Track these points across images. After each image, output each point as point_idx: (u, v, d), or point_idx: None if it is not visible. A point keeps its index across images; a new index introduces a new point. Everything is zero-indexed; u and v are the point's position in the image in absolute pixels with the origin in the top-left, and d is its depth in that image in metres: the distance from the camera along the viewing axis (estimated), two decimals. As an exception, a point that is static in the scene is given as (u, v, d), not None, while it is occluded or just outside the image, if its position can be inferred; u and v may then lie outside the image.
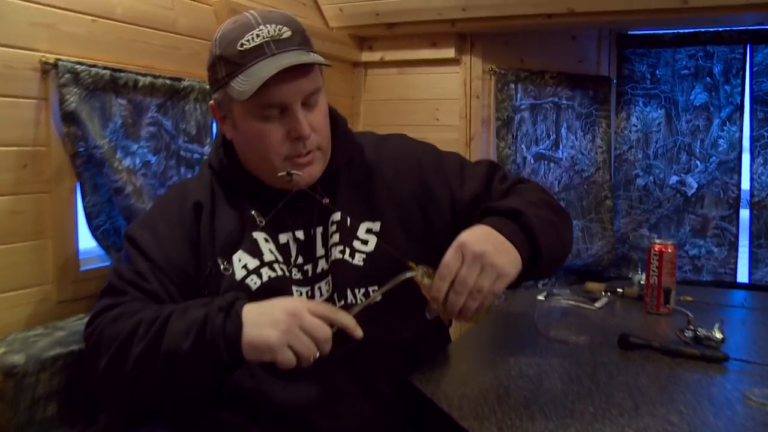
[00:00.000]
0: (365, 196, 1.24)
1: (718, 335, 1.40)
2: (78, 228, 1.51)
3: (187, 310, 1.03)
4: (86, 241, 1.54)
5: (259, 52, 1.07)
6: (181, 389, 1.05)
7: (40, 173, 1.40)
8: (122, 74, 1.51)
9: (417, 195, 1.26)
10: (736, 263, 2.36)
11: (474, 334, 1.57)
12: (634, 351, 1.42)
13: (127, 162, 1.53)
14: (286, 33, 1.09)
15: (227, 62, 1.09)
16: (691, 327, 1.45)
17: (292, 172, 1.14)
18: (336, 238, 1.19)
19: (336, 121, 1.25)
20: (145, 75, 1.57)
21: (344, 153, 1.26)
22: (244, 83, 1.07)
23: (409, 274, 1.06)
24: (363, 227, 1.21)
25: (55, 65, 1.38)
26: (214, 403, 1.14)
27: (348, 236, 1.20)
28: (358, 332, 1.02)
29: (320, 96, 1.16)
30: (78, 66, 1.41)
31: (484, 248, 1.01)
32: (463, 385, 1.21)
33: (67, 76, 1.39)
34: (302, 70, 1.09)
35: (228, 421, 1.13)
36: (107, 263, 1.56)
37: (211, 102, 1.18)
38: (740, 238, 2.37)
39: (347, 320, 1.01)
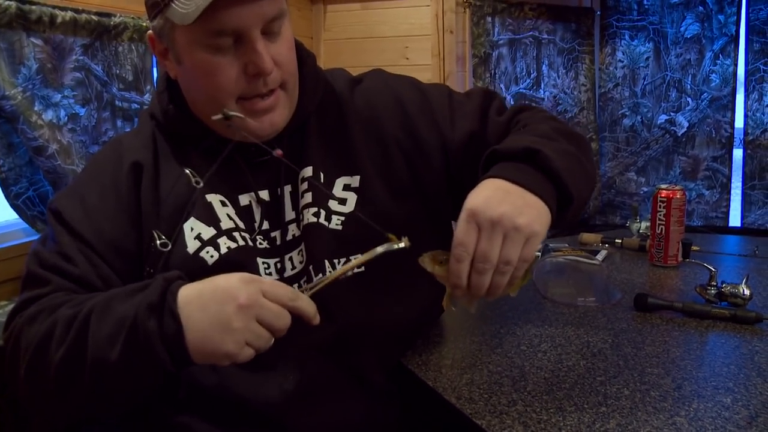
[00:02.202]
0: (340, 147, 1.07)
1: (746, 291, 1.25)
2: None
3: (109, 306, 0.85)
4: (4, 212, 1.30)
5: None
6: (118, 400, 0.88)
7: None
8: (34, 7, 1.29)
9: (400, 141, 1.08)
10: (728, 206, 2.26)
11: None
12: (654, 313, 1.26)
13: (48, 115, 1.32)
14: None
15: None
16: (714, 282, 1.29)
17: (230, 113, 0.93)
18: (308, 197, 1.03)
19: (303, 58, 1.06)
20: (64, 9, 1.35)
21: (314, 96, 1.07)
22: (188, 3, 0.87)
23: (381, 249, 0.89)
24: (339, 183, 1.05)
25: None
26: (170, 403, 0.97)
27: (322, 195, 1.03)
28: (316, 319, 0.87)
29: (284, 22, 0.97)
30: None
31: (502, 210, 0.81)
32: (469, 368, 1.04)
33: None
34: None
35: (186, 425, 0.96)
36: (33, 237, 1.33)
37: (149, 32, 0.97)
38: (733, 180, 2.25)
39: (307, 306, 0.85)
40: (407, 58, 2.29)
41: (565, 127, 1.09)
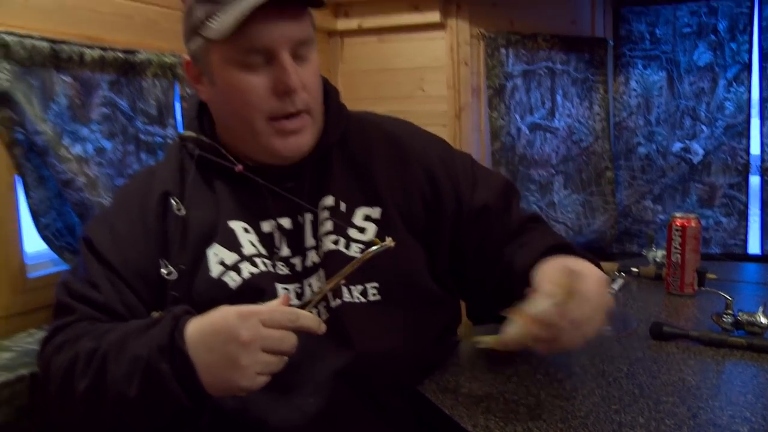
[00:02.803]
0: (363, 179, 1.12)
1: (764, 320, 1.25)
2: (22, 228, 1.33)
3: (124, 344, 0.91)
4: (34, 243, 1.37)
5: None
6: (141, 428, 0.94)
7: None
8: (64, 47, 1.34)
9: (422, 188, 1.14)
10: (746, 234, 2.26)
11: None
12: (670, 341, 1.26)
13: (76, 149, 1.37)
14: None
15: (204, 3, 0.98)
16: (730, 311, 1.29)
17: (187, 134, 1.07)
18: (328, 225, 1.07)
19: (328, 91, 1.13)
20: (92, 47, 1.40)
21: (336, 128, 1.12)
22: (221, 21, 0.95)
23: (372, 250, 0.94)
24: (360, 213, 1.10)
25: None
26: (194, 428, 1.00)
27: (342, 224, 1.08)
28: (322, 328, 0.90)
29: (312, 50, 1.04)
30: (9, 37, 1.23)
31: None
32: (485, 397, 1.04)
33: None
34: (293, 12, 0.99)
35: None
36: (62, 268, 1.38)
37: (186, 57, 1.05)
38: (750, 207, 2.26)
39: (310, 323, 0.89)
40: (423, 90, 2.31)
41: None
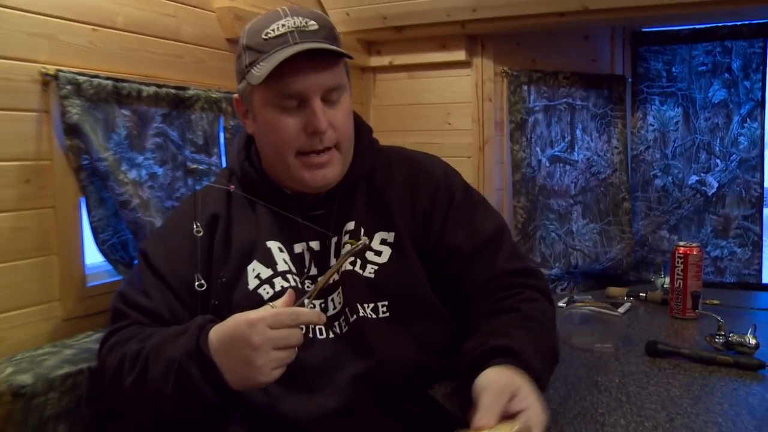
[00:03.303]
0: (381, 207, 1.21)
1: (752, 341, 1.35)
2: (84, 243, 1.47)
3: (161, 348, 1.03)
4: (93, 256, 1.51)
5: (281, 41, 1.08)
6: (178, 420, 1.07)
7: (44, 188, 1.37)
8: (125, 84, 1.48)
9: (424, 207, 1.22)
10: (761, 264, 2.30)
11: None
12: (663, 359, 1.36)
13: (132, 174, 1.50)
14: (313, 26, 1.10)
15: (251, 51, 1.10)
16: (722, 332, 1.39)
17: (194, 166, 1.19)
18: (348, 248, 1.16)
19: (360, 129, 1.24)
20: (148, 84, 1.54)
21: (365, 163, 1.23)
22: (262, 69, 1.07)
23: (352, 248, 1.07)
24: (378, 237, 1.19)
25: (55, 76, 1.35)
26: (230, 420, 1.11)
27: (361, 248, 1.16)
28: (322, 318, 1.01)
29: (343, 95, 1.14)
30: (79, 77, 1.38)
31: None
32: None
33: (68, 87, 1.36)
34: (324, 62, 1.09)
35: None
36: (116, 278, 1.53)
37: (236, 95, 1.19)
38: (764, 238, 2.31)
39: (310, 317, 0.99)
40: (449, 123, 2.40)
41: (551, 324, 1.15)
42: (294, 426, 1.08)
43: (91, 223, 1.44)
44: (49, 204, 1.39)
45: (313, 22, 1.10)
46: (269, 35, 1.09)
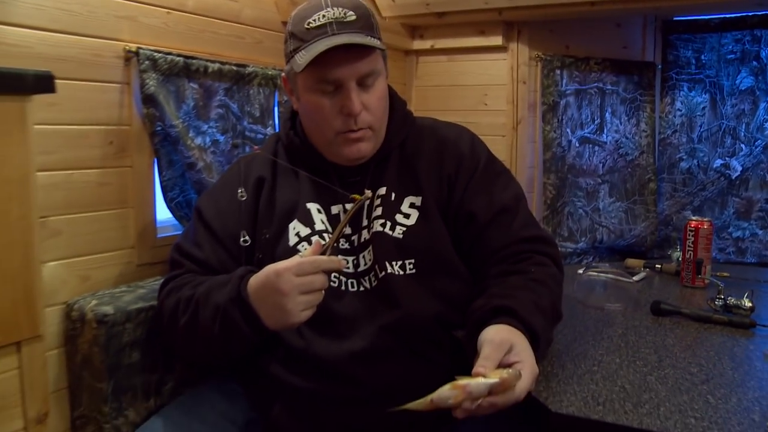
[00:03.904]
0: (411, 173, 1.30)
1: (748, 304, 1.48)
2: (155, 200, 1.65)
3: (209, 294, 1.15)
4: (162, 212, 1.68)
5: (321, 31, 1.17)
6: (225, 354, 1.22)
7: (124, 149, 1.55)
8: (194, 61, 1.65)
9: (449, 173, 1.30)
10: None
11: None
12: (666, 317, 1.50)
13: (198, 140, 1.67)
14: (351, 17, 1.18)
15: (295, 38, 1.20)
16: (721, 296, 1.52)
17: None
18: (379, 211, 1.27)
19: (394, 104, 1.32)
20: (213, 62, 1.70)
21: (398, 135, 1.32)
22: (303, 58, 1.17)
23: (357, 203, 1.12)
24: (407, 201, 1.28)
25: (136, 53, 1.53)
26: (271, 360, 1.25)
27: (391, 210, 1.27)
28: (342, 263, 1.11)
29: (378, 79, 1.23)
30: (155, 53, 1.56)
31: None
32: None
33: (146, 62, 1.54)
34: (359, 51, 1.17)
35: (282, 376, 1.23)
36: (180, 232, 1.71)
37: (283, 74, 1.30)
38: None
39: (331, 264, 1.07)
40: (486, 104, 2.51)
41: (557, 294, 1.22)
42: (323, 365, 1.20)
43: (161, 182, 1.61)
44: (127, 164, 1.57)
45: (351, 12, 1.18)
46: (311, 25, 1.18)
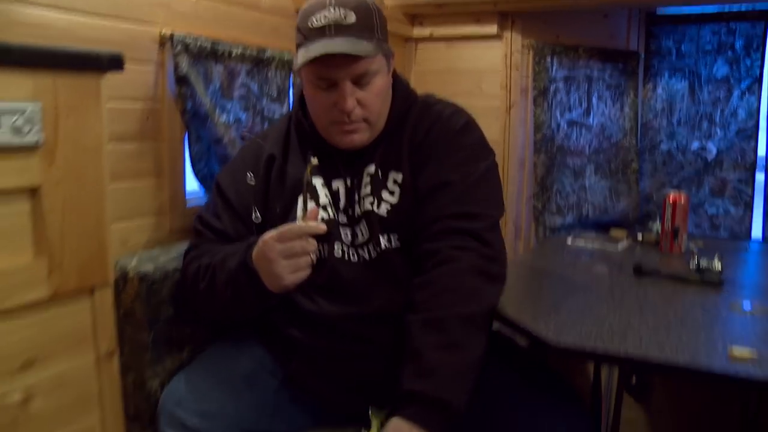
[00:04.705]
0: (395, 149, 1.33)
1: (718, 266, 1.66)
2: (185, 171, 1.77)
3: (224, 261, 1.27)
4: (190, 183, 1.81)
5: (320, 33, 1.21)
6: (238, 314, 1.37)
7: (158, 125, 1.67)
8: (220, 45, 1.76)
9: (430, 150, 1.31)
10: (751, 222, 2.53)
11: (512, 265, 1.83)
12: (646, 277, 1.69)
13: (224, 118, 1.79)
14: (351, 19, 1.20)
15: (300, 34, 1.27)
16: (696, 260, 1.71)
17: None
18: (368, 189, 1.32)
19: (396, 91, 1.35)
20: (236, 46, 1.82)
21: (393, 123, 1.35)
22: (302, 56, 1.22)
23: (308, 171, 1.26)
24: (391, 178, 1.32)
25: (170, 37, 1.64)
26: (288, 322, 1.37)
27: (378, 187, 1.31)
28: (321, 227, 1.20)
29: (375, 77, 1.25)
30: (187, 38, 1.68)
31: None
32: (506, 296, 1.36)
33: (179, 46, 1.65)
34: (353, 56, 1.20)
35: (298, 336, 1.36)
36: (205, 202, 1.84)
37: None
38: (755, 199, 2.53)
39: (310, 229, 1.18)
40: (481, 89, 2.60)
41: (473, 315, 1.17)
42: (334, 325, 1.31)
43: (190, 155, 1.73)
44: (162, 138, 1.69)
45: (352, 14, 1.20)
46: (312, 25, 1.21)
